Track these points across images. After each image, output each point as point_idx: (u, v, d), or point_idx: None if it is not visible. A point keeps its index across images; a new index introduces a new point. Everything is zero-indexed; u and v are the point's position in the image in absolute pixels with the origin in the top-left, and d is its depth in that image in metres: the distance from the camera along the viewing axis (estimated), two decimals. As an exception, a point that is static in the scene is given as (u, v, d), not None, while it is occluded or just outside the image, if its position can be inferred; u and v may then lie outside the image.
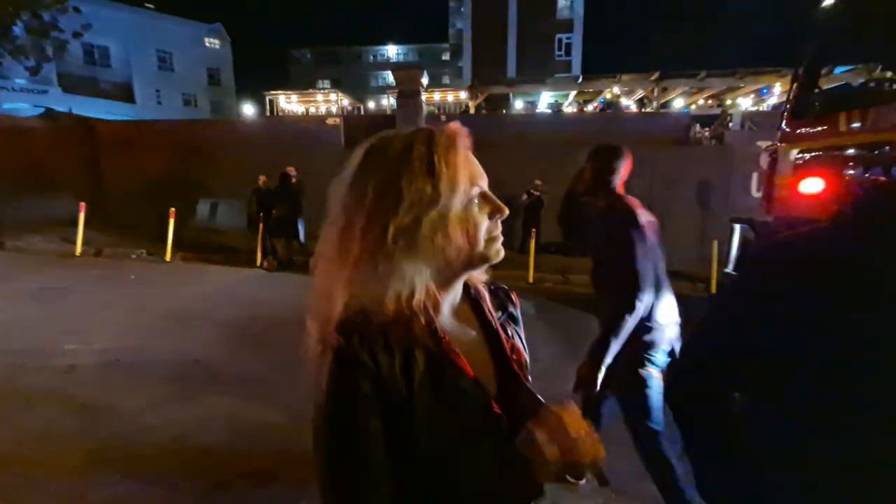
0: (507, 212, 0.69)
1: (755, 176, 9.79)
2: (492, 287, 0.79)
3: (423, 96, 11.52)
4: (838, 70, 9.03)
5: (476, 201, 0.66)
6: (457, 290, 0.71)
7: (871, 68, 7.98)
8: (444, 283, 0.67)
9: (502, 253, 0.69)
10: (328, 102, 23.77)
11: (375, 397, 0.59)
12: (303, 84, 36.37)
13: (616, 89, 16.47)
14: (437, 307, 0.66)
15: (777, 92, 16.02)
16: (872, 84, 4.34)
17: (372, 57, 48.40)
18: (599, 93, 17.63)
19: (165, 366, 3.69)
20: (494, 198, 0.68)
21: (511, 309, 0.82)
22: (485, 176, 0.68)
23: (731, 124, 12.74)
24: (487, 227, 0.67)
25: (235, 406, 3.12)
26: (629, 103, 17.16)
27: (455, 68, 37.62)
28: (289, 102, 23.15)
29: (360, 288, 0.62)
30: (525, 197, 9.38)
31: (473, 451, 0.63)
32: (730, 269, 3.90)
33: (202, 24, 36.36)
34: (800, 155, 3.30)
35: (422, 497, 0.62)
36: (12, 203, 9.00)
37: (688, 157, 10.37)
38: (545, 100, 17.93)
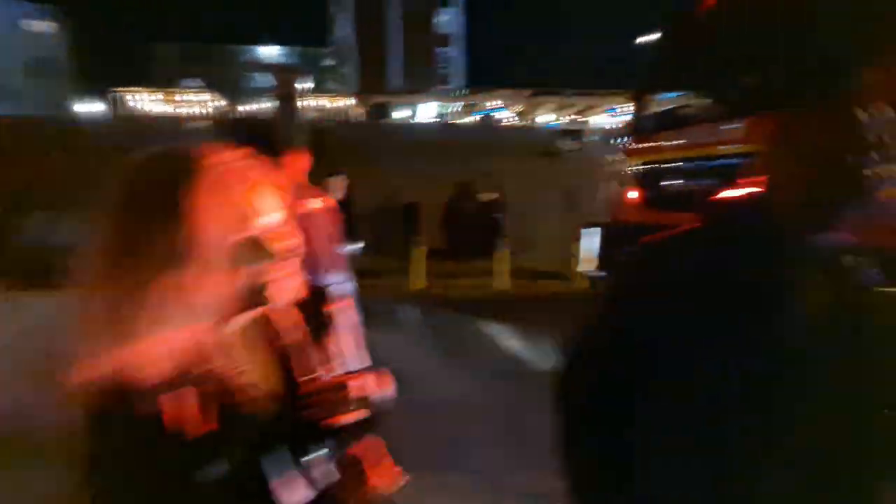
0: (278, 257, 0.62)
1: (611, 184, 11.24)
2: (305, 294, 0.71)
3: (302, 101, 11.04)
4: (670, 95, 10.76)
5: (238, 250, 0.58)
6: (238, 323, 0.64)
7: (695, 96, 9.55)
8: (217, 324, 0.60)
9: (284, 296, 0.64)
10: (195, 103, 21.51)
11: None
12: (166, 82, 32.37)
13: (496, 102, 17.59)
14: (212, 347, 0.60)
15: (629, 110, 18.56)
16: (687, 108, 5.20)
17: (246, 57, 45.13)
18: (481, 105, 18.67)
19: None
20: (266, 240, 0.61)
21: (322, 317, 0.80)
22: (260, 214, 0.60)
23: (592, 138, 14.44)
24: (260, 272, 0.60)
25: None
26: (510, 116, 18.47)
27: (339, 74, 36.85)
28: (144, 101, 20.44)
29: (109, 346, 0.54)
30: (404, 203, 9.56)
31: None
32: (581, 268, 4.39)
33: (25, 3, 30.36)
34: (635, 167, 3.84)
35: None
36: None
37: (556, 166, 11.48)
38: (428, 110, 18.44)
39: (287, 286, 0.64)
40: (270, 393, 0.66)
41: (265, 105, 19.10)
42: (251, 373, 0.65)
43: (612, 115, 18.14)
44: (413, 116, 16.89)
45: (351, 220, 5.04)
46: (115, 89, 20.20)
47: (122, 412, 0.54)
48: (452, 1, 28.00)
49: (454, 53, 28.37)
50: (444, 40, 27.73)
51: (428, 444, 2.80)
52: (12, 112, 24.63)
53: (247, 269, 0.59)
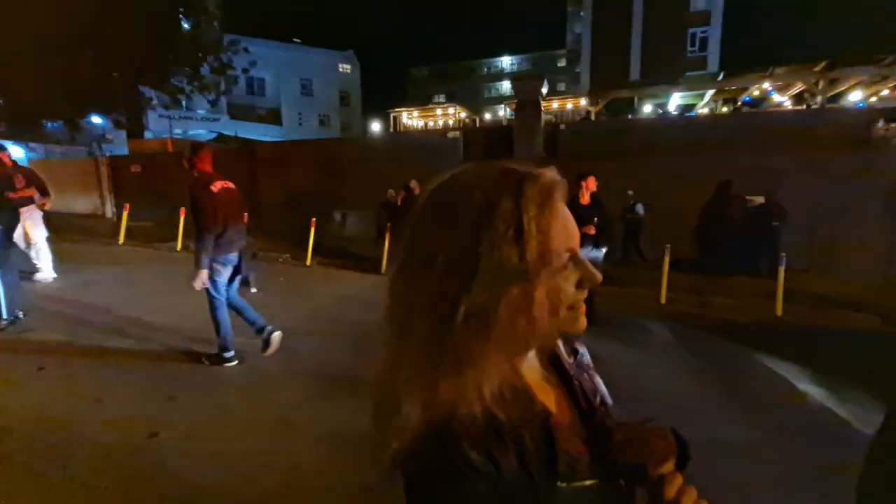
0: (599, 279, 0.56)
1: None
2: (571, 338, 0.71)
3: (541, 105, 11.32)
4: None
5: (566, 268, 0.55)
6: (531, 356, 0.63)
7: None
8: (523, 355, 0.60)
9: (584, 324, 0.58)
10: (446, 116, 24.78)
11: (494, 497, 0.50)
12: (420, 99, 38.42)
13: (766, 84, 14.43)
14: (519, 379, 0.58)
15: None
16: None
17: (485, 69, 49.39)
18: (744, 90, 15.59)
19: (311, 364, 4.08)
20: (586, 263, 0.56)
21: (581, 351, 0.74)
22: (577, 234, 0.56)
23: (931, 119, 10.23)
24: (572, 298, 0.55)
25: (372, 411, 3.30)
26: (783, 100, 14.84)
27: (572, 75, 36.51)
28: (410, 118, 24.63)
29: (429, 377, 0.52)
30: (641, 211, 8.69)
31: None
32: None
33: (337, 52, 40.70)
34: None
35: None
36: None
37: (869, 162, 8.54)
38: (675, 102, 16.40)
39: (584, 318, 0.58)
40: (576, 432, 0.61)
41: (506, 112, 20.53)
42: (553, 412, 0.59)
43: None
44: (663, 109, 15.27)
45: (600, 222, 4.86)
46: (389, 110, 25.13)
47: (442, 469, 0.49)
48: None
49: (713, 33, 24.24)
50: (703, 18, 23.93)
51: (714, 489, 2.45)
52: (330, 135, 33.76)
53: (569, 289, 0.55)
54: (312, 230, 9.02)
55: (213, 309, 3.86)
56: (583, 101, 16.98)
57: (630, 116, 15.12)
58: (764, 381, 3.92)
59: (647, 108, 15.95)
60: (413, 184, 8.25)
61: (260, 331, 4.02)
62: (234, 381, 3.74)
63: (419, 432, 0.51)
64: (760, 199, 8.13)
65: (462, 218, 0.52)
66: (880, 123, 10.32)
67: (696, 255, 8.70)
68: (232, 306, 3.95)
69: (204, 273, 3.62)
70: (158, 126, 23.95)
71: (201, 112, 26.10)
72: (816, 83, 12.87)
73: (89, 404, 3.25)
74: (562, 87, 38.51)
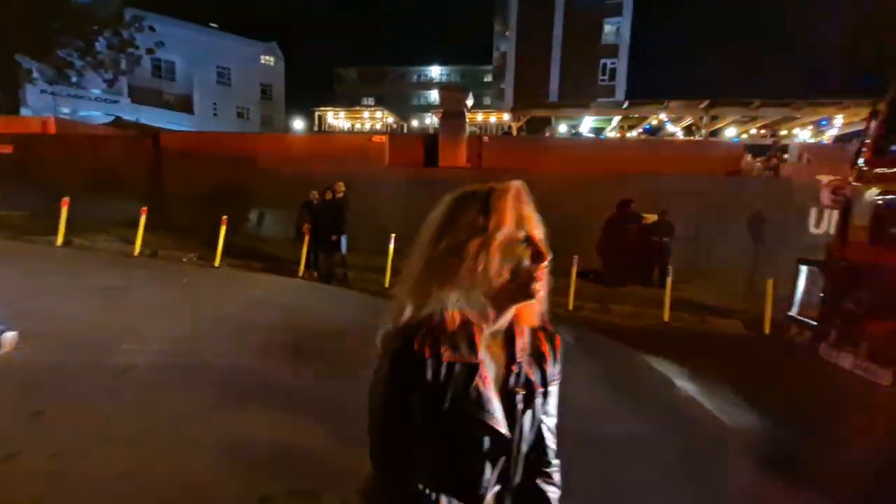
0: (547, 258, 0.77)
1: (813, 211, 9.33)
2: (539, 328, 0.87)
3: (466, 117, 11.68)
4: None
5: (522, 243, 0.77)
6: (505, 319, 0.81)
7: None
8: (496, 308, 0.79)
9: (541, 293, 0.79)
10: (373, 119, 24.51)
11: (413, 381, 0.75)
12: (348, 100, 37.61)
13: (662, 115, 16.16)
14: (483, 325, 0.79)
15: (838, 124, 15.27)
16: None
17: (415, 77, 49.70)
18: (644, 119, 17.33)
19: (214, 372, 3.81)
20: (538, 244, 0.78)
21: (544, 349, 0.88)
22: (536, 226, 0.79)
23: (787, 156, 12.22)
24: (528, 268, 0.76)
25: (280, 419, 3.17)
26: (676, 130, 16.77)
27: (497, 90, 38.03)
28: (336, 118, 24.00)
29: (418, 294, 0.77)
30: None
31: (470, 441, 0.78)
32: (794, 312, 3.67)
33: (260, 43, 38.51)
34: (880, 196, 3.10)
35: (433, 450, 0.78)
36: (82, 202, 9.60)
37: (740, 189, 9.97)
38: (587, 124, 17.80)
39: (545, 287, 0.79)
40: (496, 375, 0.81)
41: (434, 120, 20.84)
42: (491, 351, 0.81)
43: (818, 130, 15.06)
44: (575, 129, 16.54)
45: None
46: (314, 108, 24.33)
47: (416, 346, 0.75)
48: (620, 10, 26.62)
49: (620, 65, 26.78)
50: (612, 51, 26.36)
51: (601, 483, 2.67)
52: (249, 129, 31.68)
53: (524, 260, 0.76)
54: (223, 228, 8.42)
55: None
56: (506, 116, 17.78)
57: (547, 134, 16.13)
58: (647, 379, 4.38)
59: (563, 128, 17.15)
60: (338, 185, 8.06)
61: None
62: (120, 391, 3.37)
63: (401, 323, 0.78)
64: (654, 217, 9.07)
65: (458, 203, 0.80)
66: (748, 157, 12.12)
67: (600, 267, 9.48)
68: None
69: None
70: (40, 103, 20.86)
71: (96, 92, 23.23)
72: (701, 118, 14.69)
73: (-74, 423, 2.75)
74: (487, 101, 39.94)
